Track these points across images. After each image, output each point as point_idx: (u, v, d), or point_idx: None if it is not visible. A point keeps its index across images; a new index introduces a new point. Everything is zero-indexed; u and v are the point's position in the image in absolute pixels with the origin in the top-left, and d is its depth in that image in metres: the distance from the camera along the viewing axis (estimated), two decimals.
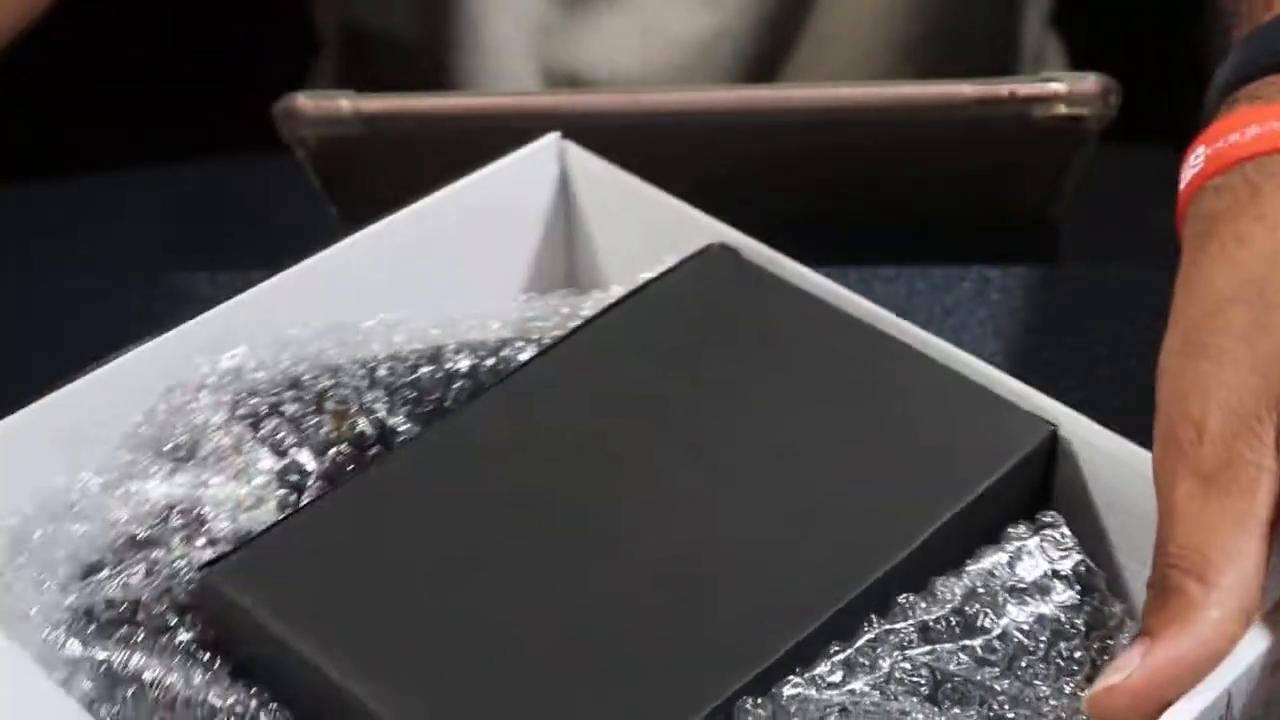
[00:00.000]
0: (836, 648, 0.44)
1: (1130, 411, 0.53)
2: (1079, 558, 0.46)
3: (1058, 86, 0.61)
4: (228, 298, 0.54)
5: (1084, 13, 0.92)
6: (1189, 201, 0.48)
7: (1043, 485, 0.49)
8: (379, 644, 0.44)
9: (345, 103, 0.63)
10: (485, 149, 0.64)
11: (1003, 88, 0.61)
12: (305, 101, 0.63)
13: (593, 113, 0.62)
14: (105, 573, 0.48)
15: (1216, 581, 0.41)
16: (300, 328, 0.53)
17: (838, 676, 0.43)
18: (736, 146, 0.63)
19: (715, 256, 0.54)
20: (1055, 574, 0.46)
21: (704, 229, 0.55)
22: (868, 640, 0.44)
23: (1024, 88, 0.62)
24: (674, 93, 0.64)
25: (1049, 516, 0.47)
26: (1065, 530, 0.47)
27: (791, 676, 0.43)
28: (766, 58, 0.82)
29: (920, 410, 0.49)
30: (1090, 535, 0.48)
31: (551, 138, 0.59)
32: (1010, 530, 0.47)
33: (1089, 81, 0.61)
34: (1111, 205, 0.75)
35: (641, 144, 0.62)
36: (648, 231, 0.57)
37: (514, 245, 0.60)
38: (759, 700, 0.42)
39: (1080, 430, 0.48)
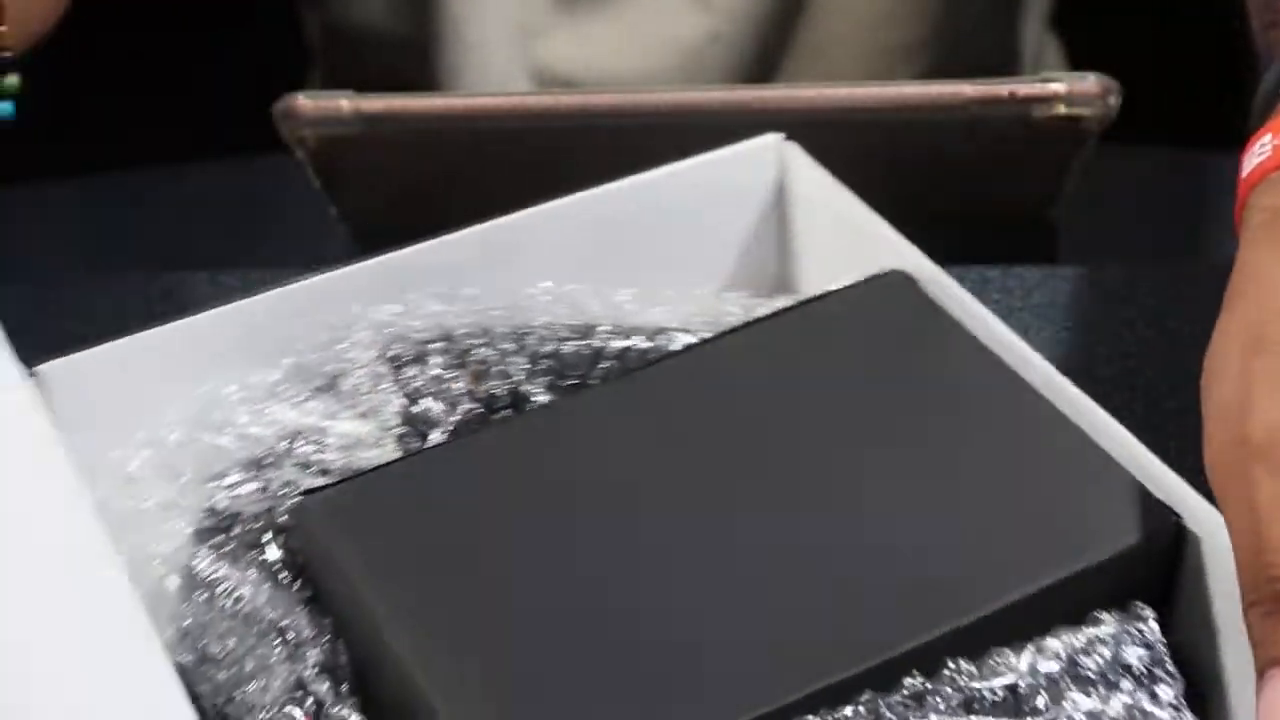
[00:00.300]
0: (868, 696, 0.43)
1: (1130, 411, 0.53)
2: (1161, 658, 0.44)
3: (1058, 86, 0.61)
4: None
5: (1084, 13, 0.92)
6: (1252, 191, 0.46)
7: (1161, 577, 0.46)
8: (439, 606, 0.45)
9: (345, 103, 0.62)
10: (485, 149, 0.64)
11: (1003, 88, 0.61)
12: (305, 101, 0.62)
13: (592, 113, 0.62)
14: (219, 482, 0.50)
15: None
16: (475, 286, 0.54)
17: None
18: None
19: (890, 283, 0.54)
20: (1127, 669, 0.44)
21: (900, 253, 0.54)
22: (903, 696, 0.43)
23: (1024, 88, 0.62)
24: (673, 93, 0.64)
25: (1142, 609, 0.45)
26: (1154, 627, 0.45)
27: (811, 717, 0.42)
28: (759, 63, 0.82)
29: (1041, 475, 0.47)
30: (1204, 637, 0.46)
31: (773, 138, 0.59)
32: (1095, 615, 0.45)
33: (1089, 81, 0.61)
34: (1111, 205, 0.75)
35: (641, 144, 0.62)
36: (850, 247, 0.56)
37: (717, 239, 0.60)
38: None
39: (1213, 526, 0.45)
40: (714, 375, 0.51)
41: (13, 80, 0.57)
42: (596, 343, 0.53)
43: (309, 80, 0.89)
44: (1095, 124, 0.62)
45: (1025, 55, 0.89)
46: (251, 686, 0.46)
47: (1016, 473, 0.48)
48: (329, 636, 0.47)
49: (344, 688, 0.46)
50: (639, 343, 0.53)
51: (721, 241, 0.60)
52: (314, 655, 0.46)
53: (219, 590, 0.48)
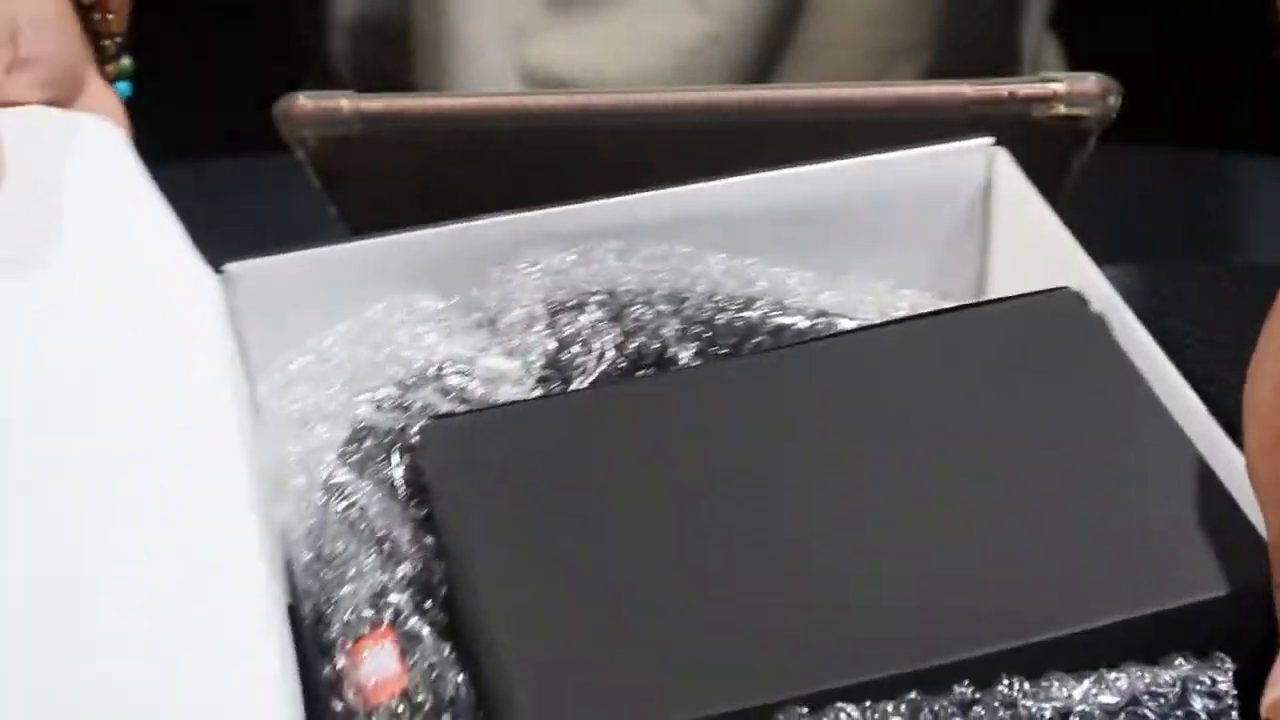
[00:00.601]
0: (914, 695, 0.43)
1: None
2: (1227, 710, 0.43)
3: (1058, 86, 0.61)
4: None
5: (1084, 13, 0.92)
6: None
7: (1265, 630, 0.44)
8: (532, 543, 0.46)
9: (345, 103, 0.63)
10: (485, 149, 0.64)
11: (1003, 88, 0.61)
12: (305, 101, 0.63)
13: (593, 113, 0.62)
14: (366, 396, 0.53)
15: None
16: (655, 245, 0.56)
17: None
18: (737, 146, 0.63)
19: (1060, 300, 0.53)
20: (1188, 717, 0.43)
21: (1084, 273, 0.54)
22: (949, 701, 0.43)
23: (1024, 88, 0.62)
24: (674, 93, 0.64)
25: (1221, 660, 0.44)
26: (1228, 679, 0.44)
27: (849, 706, 0.43)
28: (757, 65, 0.82)
29: (1154, 510, 0.47)
30: None
31: (984, 141, 0.59)
32: (1171, 657, 0.44)
33: (1089, 81, 0.61)
34: (1111, 205, 0.75)
35: (642, 144, 0.62)
36: (1040, 261, 0.56)
37: (913, 235, 0.60)
38: (805, 711, 0.42)
39: None
40: (856, 363, 0.51)
41: (127, 63, 0.63)
42: (754, 317, 0.54)
43: (307, 80, 0.89)
44: (1095, 124, 0.62)
45: (1025, 55, 0.89)
46: (345, 589, 0.48)
47: (1130, 503, 0.47)
48: (425, 555, 0.49)
49: (427, 604, 0.48)
50: (798, 322, 0.55)
51: (917, 239, 0.60)
52: (404, 569, 0.48)
53: (337, 496, 0.50)
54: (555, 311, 0.54)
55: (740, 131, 0.63)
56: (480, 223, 0.56)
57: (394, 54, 0.84)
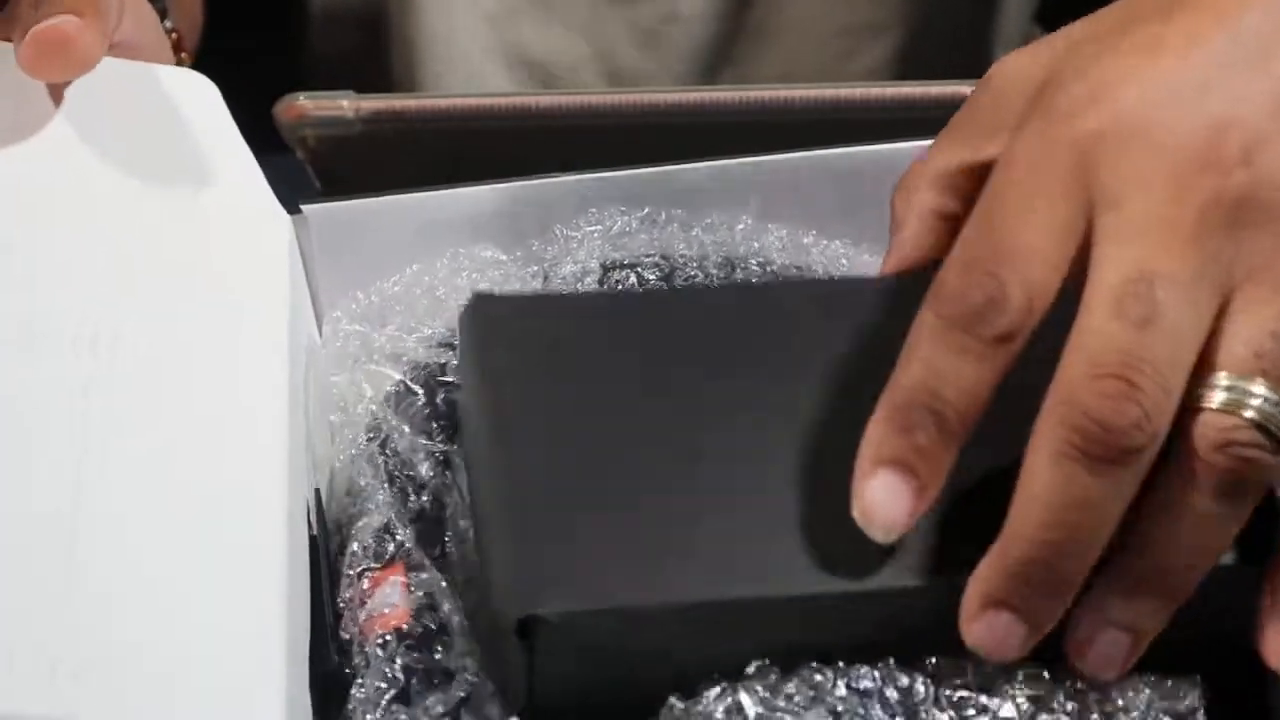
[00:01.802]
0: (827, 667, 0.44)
1: None
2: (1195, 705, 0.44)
3: None
4: None
5: (1072, 11, 0.92)
6: None
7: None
8: (537, 435, 0.47)
9: (345, 103, 0.63)
10: (486, 149, 0.64)
11: None
12: (305, 102, 0.63)
13: (595, 112, 0.62)
14: (415, 337, 0.55)
15: None
16: (719, 213, 0.58)
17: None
18: (736, 147, 0.63)
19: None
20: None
21: None
22: (866, 671, 0.44)
23: None
24: (675, 92, 0.65)
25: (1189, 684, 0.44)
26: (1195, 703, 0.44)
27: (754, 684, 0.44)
28: (719, 41, 0.83)
29: None
30: None
31: None
32: (1137, 676, 0.44)
33: None
34: None
35: (641, 143, 0.63)
36: None
37: None
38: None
39: None
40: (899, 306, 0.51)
41: None
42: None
43: (307, 80, 0.89)
44: None
45: (1005, 37, 0.89)
46: (361, 522, 0.50)
47: None
48: (440, 488, 0.50)
49: (434, 535, 0.50)
50: None
51: None
52: (416, 502, 0.50)
53: (370, 430, 0.52)
54: (608, 269, 0.56)
55: (741, 130, 0.63)
56: (550, 180, 0.58)
57: (369, 42, 0.85)
